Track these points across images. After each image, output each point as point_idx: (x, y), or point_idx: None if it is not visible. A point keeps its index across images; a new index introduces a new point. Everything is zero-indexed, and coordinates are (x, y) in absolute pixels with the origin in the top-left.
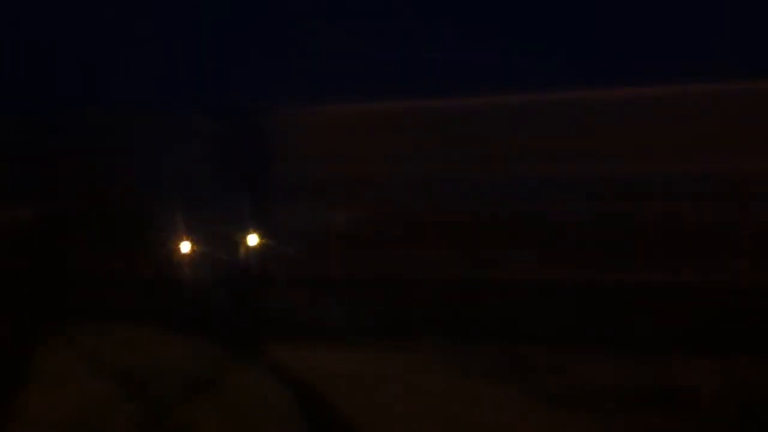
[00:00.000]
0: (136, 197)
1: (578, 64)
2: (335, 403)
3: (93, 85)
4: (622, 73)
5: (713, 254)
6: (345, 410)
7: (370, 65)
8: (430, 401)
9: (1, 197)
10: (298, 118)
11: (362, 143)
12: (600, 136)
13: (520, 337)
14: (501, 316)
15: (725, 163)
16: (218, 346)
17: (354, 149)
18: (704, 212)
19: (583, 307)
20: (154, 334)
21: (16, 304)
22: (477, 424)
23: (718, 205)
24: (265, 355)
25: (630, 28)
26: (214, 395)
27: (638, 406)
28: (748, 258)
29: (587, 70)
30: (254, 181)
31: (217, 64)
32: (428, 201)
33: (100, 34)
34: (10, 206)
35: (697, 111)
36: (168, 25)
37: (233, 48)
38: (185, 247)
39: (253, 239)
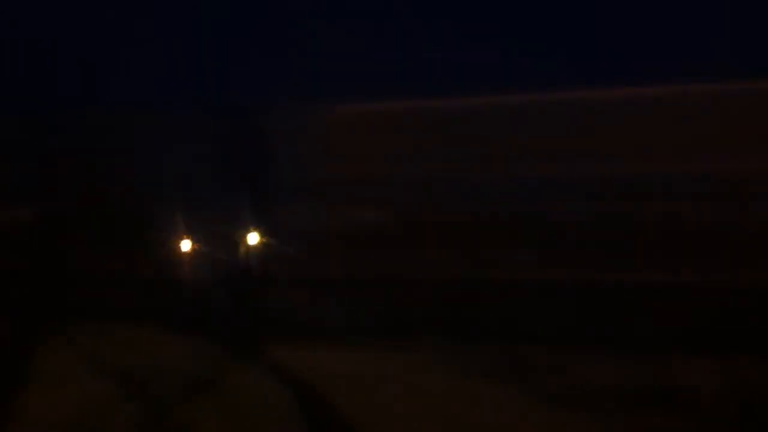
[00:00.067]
0: (136, 197)
1: (578, 64)
2: (335, 403)
3: (93, 85)
4: (622, 73)
5: (713, 254)
6: (345, 410)
7: (370, 65)
8: (430, 401)
9: (1, 197)
10: (299, 117)
11: (362, 143)
12: (600, 136)
13: (520, 337)
14: (501, 316)
15: (725, 163)
16: (218, 346)
17: (354, 149)
18: (704, 212)
19: (583, 307)
20: (154, 334)
21: (16, 304)
22: (477, 424)
23: (718, 205)
24: (265, 355)
25: (630, 28)
26: (214, 395)
27: (638, 406)
28: (748, 258)
29: (587, 70)
30: (254, 181)
31: (217, 64)
32: (428, 201)
33: (100, 34)
34: (10, 206)
35: (697, 111)
36: (168, 25)
37: (233, 48)
38: (185, 246)
39: (253, 239)
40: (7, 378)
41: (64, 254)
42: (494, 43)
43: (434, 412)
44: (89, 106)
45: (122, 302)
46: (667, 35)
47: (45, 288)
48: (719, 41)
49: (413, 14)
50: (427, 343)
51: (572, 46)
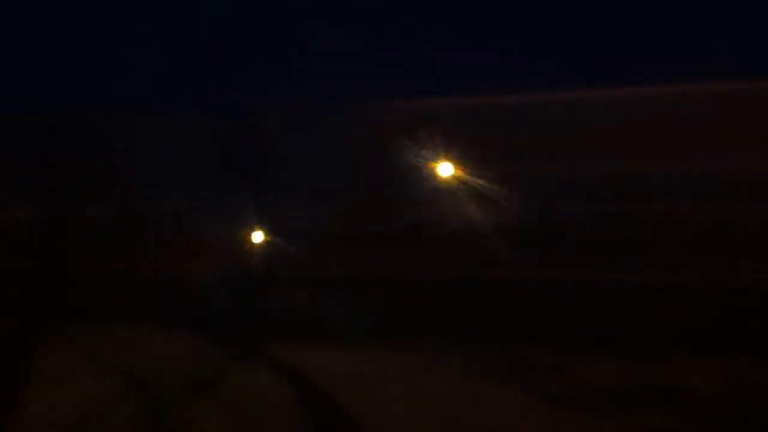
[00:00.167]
0: (136, 197)
1: (578, 64)
2: (335, 403)
3: (93, 85)
4: (622, 73)
5: (713, 254)
6: (345, 410)
7: (369, 65)
8: (430, 401)
9: (1, 197)
10: (298, 117)
11: (356, 144)
12: (600, 135)
13: (520, 337)
14: (501, 316)
15: (725, 163)
16: (218, 346)
17: (351, 149)
18: (704, 212)
19: (583, 307)
20: (154, 333)
21: (16, 304)
22: (477, 424)
23: (718, 205)
24: (266, 355)
25: (630, 28)
26: (215, 395)
27: (638, 406)
28: (748, 258)
29: (587, 70)
30: (254, 181)
31: (217, 64)
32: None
33: (100, 34)
34: (10, 206)
35: (697, 111)
36: (168, 25)
37: (233, 48)
38: (185, 246)
39: (253, 239)
40: (7, 378)
41: (64, 254)
42: (494, 43)
43: (434, 412)
44: (89, 106)
45: (122, 302)
46: (667, 35)
47: (45, 288)
48: (719, 41)
49: (413, 14)
50: (427, 343)
51: (572, 47)
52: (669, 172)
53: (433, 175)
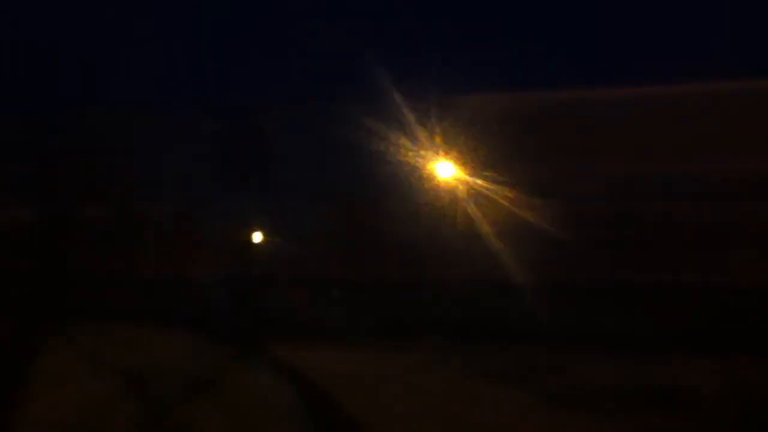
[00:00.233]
0: (135, 197)
1: (578, 64)
2: (335, 403)
3: (93, 85)
4: (622, 73)
5: (713, 254)
6: (345, 410)
7: (369, 65)
8: (430, 401)
9: (1, 197)
10: (298, 117)
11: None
12: (599, 135)
13: (520, 337)
14: (501, 316)
15: (725, 163)
16: (218, 346)
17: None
18: (704, 212)
19: (583, 307)
20: (153, 333)
21: (16, 304)
22: (477, 424)
23: (718, 205)
24: (266, 355)
25: (630, 28)
26: (214, 395)
27: (638, 406)
28: (748, 258)
29: (586, 70)
30: (254, 181)
31: (217, 64)
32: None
33: (100, 34)
34: (10, 206)
35: (696, 111)
36: (168, 25)
37: (233, 48)
38: (185, 246)
39: (253, 239)
40: (7, 378)
41: (64, 254)
42: (493, 42)
43: (434, 412)
44: (89, 106)
45: (122, 302)
46: (667, 35)
47: (45, 288)
48: (719, 41)
49: (413, 14)
50: (427, 343)
51: (572, 47)
52: (668, 171)
53: (435, 175)
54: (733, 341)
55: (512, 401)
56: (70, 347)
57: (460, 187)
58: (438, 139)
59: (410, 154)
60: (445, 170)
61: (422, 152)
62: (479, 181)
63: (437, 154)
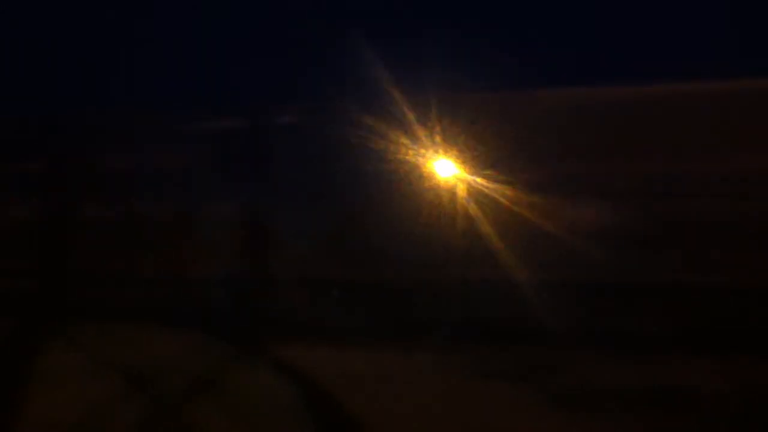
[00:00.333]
0: (135, 197)
1: (578, 64)
2: (335, 403)
3: (93, 85)
4: (625, 71)
5: (713, 254)
6: (345, 410)
7: (369, 65)
8: (430, 401)
9: (1, 197)
10: (298, 117)
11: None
12: (603, 135)
13: (520, 337)
14: (501, 316)
15: (725, 163)
16: (219, 346)
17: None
18: (704, 212)
19: (583, 307)
20: (154, 333)
21: (16, 304)
22: (477, 424)
23: (718, 205)
24: (266, 355)
25: (630, 28)
26: (215, 395)
27: (638, 406)
28: (748, 258)
29: (587, 69)
30: (254, 181)
31: (217, 64)
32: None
33: (100, 34)
34: (11, 206)
35: (696, 111)
36: (168, 25)
37: (233, 48)
38: (186, 246)
39: (253, 239)
40: (7, 378)
41: (64, 254)
42: (492, 42)
43: (434, 412)
44: (89, 107)
45: (122, 302)
46: (668, 35)
47: (45, 288)
48: (719, 41)
49: (414, 14)
50: (427, 343)
51: (572, 46)
52: (668, 171)
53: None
54: (733, 341)
55: (512, 401)
56: (70, 347)
57: (461, 185)
58: (438, 138)
59: (411, 152)
60: (445, 169)
61: (423, 151)
62: (480, 180)
63: (437, 152)
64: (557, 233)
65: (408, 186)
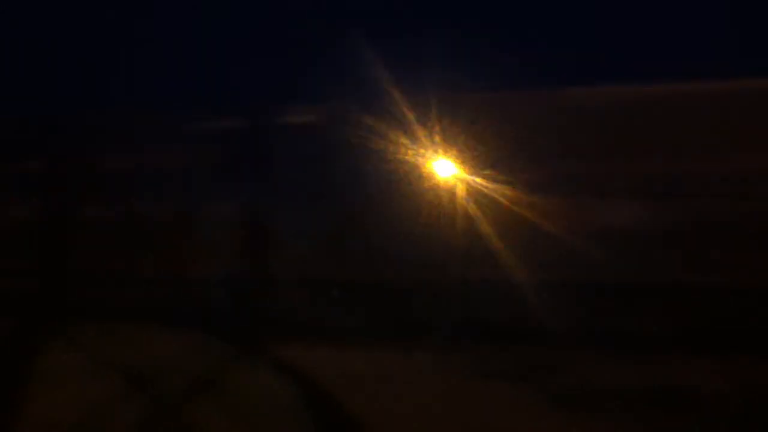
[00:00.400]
0: (136, 197)
1: (578, 64)
2: (335, 403)
3: (93, 86)
4: (626, 71)
5: (713, 254)
6: (345, 410)
7: (369, 65)
8: (430, 401)
9: (2, 197)
10: (297, 117)
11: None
12: (598, 135)
13: (520, 337)
14: (501, 316)
15: (725, 163)
16: (219, 346)
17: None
18: (704, 212)
19: (583, 307)
20: (154, 333)
21: (16, 304)
22: (477, 424)
23: (718, 205)
24: (266, 355)
25: (630, 28)
26: (215, 395)
27: (638, 406)
28: (748, 258)
29: (587, 69)
30: (254, 181)
31: (217, 64)
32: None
33: (100, 34)
34: (11, 206)
35: (696, 110)
36: (168, 25)
37: (233, 48)
38: (186, 246)
39: (254, 239)
40: (7, 378)
41: (64, 254)
42: (492, 42)
43: (434, 412)
44: (89, 107)
45: (123, 302)
46: (667, 35)
47: (45, 288)
48: (719, 41)
49: (414, 14)
50: (427, 343)
51: (572, 46)
52: (668, 171)
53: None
54: (733, 341)
55: (512, 401)
56: (70, 347)
57: (461, 186)
58: (438, 138)
59: (410, 152)
60: (445, 169)
61: (422, 151)
62: (480, 180)
63: (437, 152)
64: (557, 233)
65: (408, 186)
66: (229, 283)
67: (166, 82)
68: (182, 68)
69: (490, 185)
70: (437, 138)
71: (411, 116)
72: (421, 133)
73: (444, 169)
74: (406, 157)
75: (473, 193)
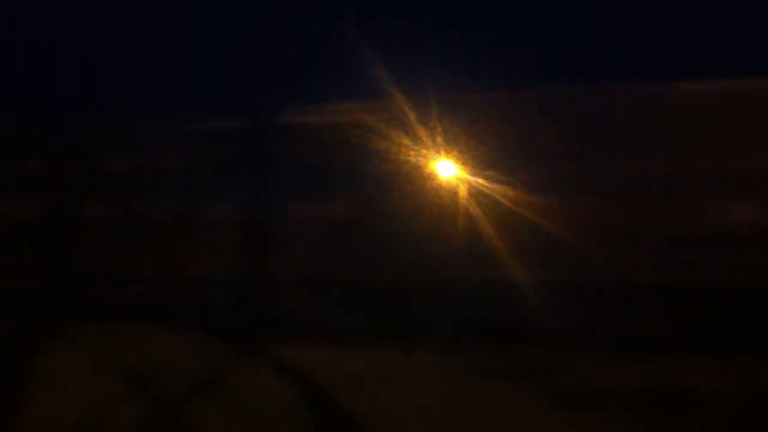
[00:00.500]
0: (136, 197)
1: (578, 64)
2: (335, 403)
3: (93, 86)
4: (622, 72)
5: (712, 254)
6: (345, 410)
7: (369, 65)
8: (430, 401)
9: (2, 197)
10: (297, 117)
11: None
12: (598, 135)
13: (520, 337)
14: (501, 316)
15: (725, 163)
16: (219, 346)
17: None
18: (704, 212)
19: (583, 307)
20: (154, 333)
21: (16, 304)
22: (477, 424)
23: (717, 205)
24: (266, 355)
25: (630, 28)
26: (215, 395)
27: (638, 406)
28: (748, 258)
29: (587, 69)
30: (254, 181)
31: (217, 64)
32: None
33: (100, 34)
34: (11, 206)
35: (696, 111)
36: (168, 25)
37: (233, 48)
38: (186, 246)
39: (254, 239)
40: (7, 378)
41: (64, 254)
42: (492, 42)
43: (434, 412)
44: (89, 107)
45: (122, 302)
46: (667, 35)
47: (45, 288)
48: (719, 41)
49: (414, 14)
50: (427, 343)
51: (572, 46)
52: (668, 171)
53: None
54: (733, 341)
55: (512, 401)
56: (70, 347)
57: (461, 186)
58: (439, 138)
59: (411, 152)
60: (446, 169)
61: (423, 151)
62: (480, 180)
63: (438, 152)
64: (557, 233)
65: (408, 186)
66: (229, 283)
67: (166, 82)
68: (182, 68)
69: (490, 185)
70: (438, 138)
71: (411, 116)
72: (421, 133)
73: (444, 169)
74: (407, 157)
75: (473, 193)
